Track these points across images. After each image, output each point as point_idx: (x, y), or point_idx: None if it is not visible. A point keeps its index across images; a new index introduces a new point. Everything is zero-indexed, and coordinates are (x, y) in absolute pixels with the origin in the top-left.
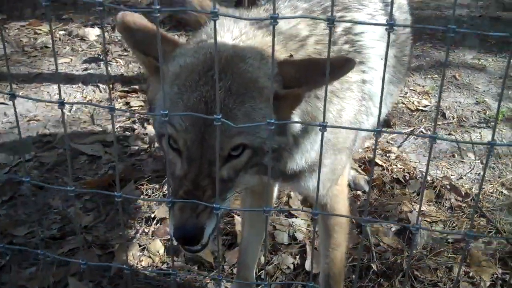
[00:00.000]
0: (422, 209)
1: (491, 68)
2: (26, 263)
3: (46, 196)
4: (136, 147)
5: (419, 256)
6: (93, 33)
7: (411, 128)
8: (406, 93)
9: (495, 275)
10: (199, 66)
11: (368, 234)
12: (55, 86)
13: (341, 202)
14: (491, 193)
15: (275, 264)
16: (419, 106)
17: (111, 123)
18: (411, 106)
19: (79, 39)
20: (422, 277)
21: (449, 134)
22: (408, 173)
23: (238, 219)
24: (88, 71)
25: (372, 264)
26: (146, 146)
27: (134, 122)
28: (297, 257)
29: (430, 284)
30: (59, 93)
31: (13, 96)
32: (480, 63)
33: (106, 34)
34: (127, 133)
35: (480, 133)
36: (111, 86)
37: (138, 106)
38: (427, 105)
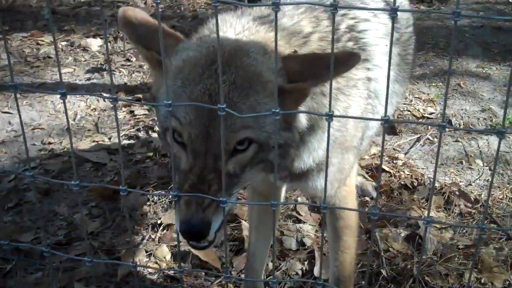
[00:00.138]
0: (431, 215)
1: (495, 76)
2: (32, 269)
3: (51, 203)
4: (141, 155)
5: (429, 262)
6: (95, 43)
7: (418, 135)
8: (411, 101)
9: (507, 282)
10: (202, 60)
11: (377, 239)
12: (59, 96)
13: (349, 204)
14: (501, 199)
15: (283, 270)
16: (424, 114)
17: (114, 114)
18: (416, 114)
19: (82, 49)
20: (432, 283)
21: (456, 140)
22: (416, 179)
23: (245, 224)
24: (92, 81)
25: (381, 270)
26: (151, 153)
27: (139, 130)
28: (306, 263)
29: None
30: (60, 79)
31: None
32: (484, 71)
33: (108, 44)
34: (132, 141)
35: (487, 139)
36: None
37: (142, 114)
38: (432, 113)
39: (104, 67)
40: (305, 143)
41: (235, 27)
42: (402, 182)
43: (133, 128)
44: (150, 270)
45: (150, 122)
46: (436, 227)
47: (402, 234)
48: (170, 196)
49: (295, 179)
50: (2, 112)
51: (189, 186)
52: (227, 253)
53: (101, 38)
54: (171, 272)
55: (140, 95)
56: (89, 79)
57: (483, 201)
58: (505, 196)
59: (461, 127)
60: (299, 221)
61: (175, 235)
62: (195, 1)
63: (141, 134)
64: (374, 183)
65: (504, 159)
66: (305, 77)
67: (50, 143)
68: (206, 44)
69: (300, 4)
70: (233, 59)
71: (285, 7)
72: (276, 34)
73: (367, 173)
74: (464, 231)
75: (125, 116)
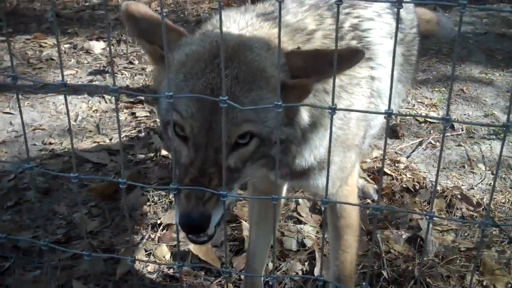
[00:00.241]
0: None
1: (498, 82)
2: (30, 267)
3: (51, 202)
4: (142, 156)
5: (431, 264)
6: (98, 46)
7: (420, 139)
8: (414, 105)
9: (510, 284)
10: (205, 54)
11: (378, 241)
12: (61, 97)
13: (351, 202)
14: (503, 203)
15: (283, 270)
16: (427, 118)
17: (115, 106)
18: (419, 118)
19: (84, 52)
20: (434, 284)
21: (459, 145)
22: (418, 182)
23: (245, 224)
24: (94, 83)
25: (383, 271)
26: (152, 154)
27: (140, 131)
28: (306, 263)
29: None
30: (61, 71)
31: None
32: (487, 77)
33: (111, 47)
34: (133, 142)
35: (490, 144)
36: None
37: (144, 116)
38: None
39: (106, 69)
40: (306, 140)
41: (238, 22)
42: (404, 185)
43: (134, 129)
44: (149, 269)
45: (152, 124)
46: (438, 229)
47: (404, 236)
48: (171, 196)
49: (296, 178)
50: (4, 112)
51: (189, 179)
52: (227, 250)
53: (104, 41)
54: (170, 271)
55: (142, 97)
56: (91, 81)
57: (485, 205)
58: (507, 200)
59: (464, 131)
60: (300, 222)
61: (174, 235)
62: (198, 6)
63: (142, 135)
64: (375, 186)
65: (506, 164)
66: (309, 73)
67: (50, 143)
68: (209, 38)
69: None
70: (236, 54)
71: (289, 5)
72: (279, 26)
73: (368, 175)
74: (466, 234)
75: (126, 118)
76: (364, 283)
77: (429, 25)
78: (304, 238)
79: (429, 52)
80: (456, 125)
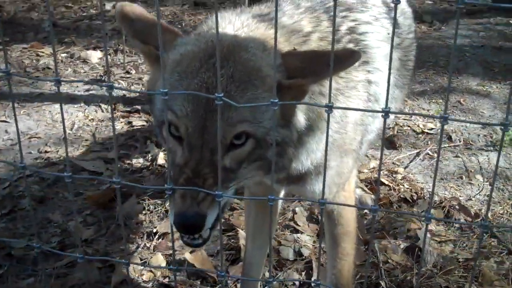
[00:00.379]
0: (431, 228)
1: (496, 95)
2: (24, 274)
3: (46, 211)
4: (138, 164)
5: (429, 274)
6: (95, 55)
7: (417, 150)
8: (411, 116)
9: None
10: (200, 54)
11: (376, 250)
12: (57, 106)
13: (348, 210)
14: (501, 214)
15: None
16: (424, 129)
17: (109, 101)
18: (416, 129)
19: (81, 61)
20: None
21: (456, 156)
22: (416, 193)
23: (242, 233)
24: (90, 92)
25: (380, 281)
26: (148, 163)
27: (136, 140)
28: (303, 273)
29: None
30: (55, 70)
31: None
32: (484, 89)
33: (108, 57)
34: (129, 152)
35: (487, 156)
36: (113, 106)
37: (140, 125)
38: (432, 128)
39: (103, 79)
40: (303, 144)
41: (234, 23)
42: (402, 196)
43: (131, 138)
44: (144, 278)
45: (148, 133)
46: (436, 240)
47: (402, 246)
48: (167, 205)
49: (293, 183)
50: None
51: (184, 179)
52: (222, 253)
53: (101, 51)
54: (165, 281)
55: (138, 107)
56: (88, 90)
57: (483, 216)
58: (505, 211)
59: (461, 143)
60: (297, 231)
61: (170, 244)
62: (196, 17)
63: (139, 144)
64: (373, 196)
65: (504, 175)
66: (305, 74)
67: (46, 151)
68: (204, 39)
69: None
70: (231, 54)
71: (285, 7)
72: (276, 23)
73: (366, 186)
74: (464, 244)
75: (122, 127)
76: None
77: None
78: (301, 247)
79: (426, 64)
80: (453, 136)
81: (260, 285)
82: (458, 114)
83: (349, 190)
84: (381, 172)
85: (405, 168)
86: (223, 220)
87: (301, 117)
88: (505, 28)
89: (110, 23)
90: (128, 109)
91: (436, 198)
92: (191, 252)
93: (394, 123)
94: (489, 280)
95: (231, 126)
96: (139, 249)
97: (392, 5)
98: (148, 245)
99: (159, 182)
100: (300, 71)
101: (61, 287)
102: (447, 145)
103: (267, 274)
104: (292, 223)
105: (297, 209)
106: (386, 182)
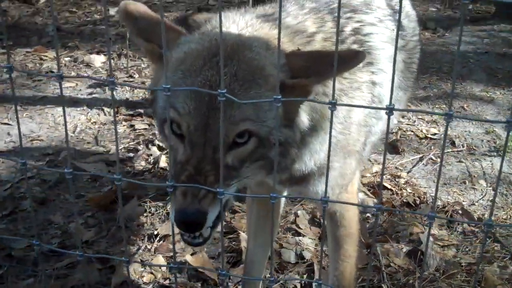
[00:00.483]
0: (434, 232)
1: (499, 101)
2: (24, 275)
3: (47, 212)
4: (140, 167)
5: (431, 278)
6: (98, 59)
7: (420, 155)
8: (415, 121)
9: None
10: (204, 52)
11: (378, 254)
12: (59, 109)
13: (351, 211)
14: (505, 219)
15: (281, 283)
16: (427, 134)
17: (111, 97)
18: (419, 134)
19: (85, 65)
20: None
21: (459, 161)
22: (419, 197)
23: (243, 236)
24: (93, 95)
25: (382, 285)
26: (150, 166)
27: (138, 143)
28: (305, 276)
29: None
30: (58, 67)
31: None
32: (488, 95)
33: (112, 61)
34: (131, 154)
35: (491, 161)
36: (115, 109)
37: (143, 129)
38: (435, 133)
39: (106, 82)
40: (306, 145)
41: (238, 23)
42: (404, 200)
43: (133, 141)
44: (144, 279)
45: (150, 136)
46: (439, 244)
47: (404, 249)
48: (168, 208)
49: (295, 183)
50: (2, 123)
51: (185, 177)
52: (223, 250)
53: (104, 55)
54: (166, 282)
55: (141, 110)
56: (91, 93)
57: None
58: (509, 216)
59: (465, 148)
60: (299, 234)
61: (171, 246)
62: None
63: (141, 147)
64: (375, 200)
65: (508, 180)
66: (309, 74)
67: (48, 154)
68: (208, 37)
69: None
70: (235, 53)
71: (289, 7)
72: (279, 22)
73: (368, 190)
74: (467, 249)
75: (125, 130)
76: None
77: None
78: (303, 250)
79: (430, 70)
80: (457, 141)
81: (261, 286)
82: (461, 120)
83: (352, 192)
84: (384, 176)
85: (408, 172)
86: (224, 223)
87: (304, 118)
88: (509, 35)
89: (114, 28)
90: (131, 112)
91: (439, 202)
92: (192, 254)
93: (397, 128)
94: (492, 285)
95: (234, 124)
96: (140, 251)
97: (397, 7)
98: (149, 247)
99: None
100: (304, 71)
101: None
102: (451, 150)
103: (268, 276)
104: (294, 226)
105: (299, 212)
106: (389, 187)
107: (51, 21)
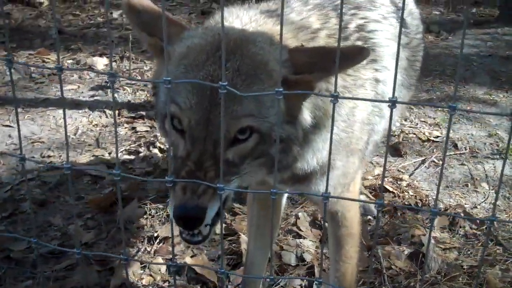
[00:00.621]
0: (435, 235)
1: (502, 103)
2: (23, 277)
3: (46, 214)
4: (141, 169)
5: (433, 281)
6: (101, 62)
7: (423, 158)
8: (417, 124)
9: None
10: (207, 47)
11: (379, 256)
12: (61, 111)
13: (353, 210)
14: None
15: (281, 285)
16: (430, 137)
17: (111, 92)
18: (422, 137)
19: (87, 67)
20: None
21: (462, 164)
22: (420, 200)
23: (243, 238)
24: (95, 98)
25: (383, 287)
26: (150, 168)
27: (140, 145)
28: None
29: None
30: (58, 59)
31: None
32: (491, 98)
33: (114, 64)
34: (132, 156)
35: (493, 164)
36: (116, 112)
37: (144, 131)
38: (438, 136)
39: (108, 85)
40: (309, 143)
41: (241, 18)
42: (406, 202)
43: (134, 143)
44: (144, 282)
45: (152, 138)
46: (441, 247)
47: (405, 252)
48: (168, 210)
49: (297, 182)
50: (3, 125)
51: (186, 172)
52: (223, 247)
53: (107, 57)
54: (165, 285)
55: (143, 113)
56: (93, 96)
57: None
58: (511, 219)
59: (467, 151)
60: (299, 236)
61: (170, 248)
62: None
63: (142, 149)
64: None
65: (510, 183)
66: (312, 70)
67: (49, 156)
68: (211, 32)
69: None
70: (238, 47)
71: (293, 4)
72: (282, 17)
73: (370, 192)
74: (469, 252)
75: (126, 132)
76: None
77: None
78: (304, 252)
79: (433, 73)
80: (459, 144)
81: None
82: (464, 122)
83: (354, 191)
84: (386, 179)
85: (410, 175)
86: (224, 225)
87: (307, 115)
88: None
89: (117, 30)
90: (133, 115)
91: (441, 205)
92: (192, 257)
93: (400, 130)
94: (494, 287)
95: (236, 119)
96: (139, 253)
97: (400, 4)
98: (148, 249)
99: (161, 185)
100: (307, 67)
101: None
102: (453, 152)
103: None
104: (294, 228)
105: (300, 214)
106: (391, 189)
107: (54, 23)
